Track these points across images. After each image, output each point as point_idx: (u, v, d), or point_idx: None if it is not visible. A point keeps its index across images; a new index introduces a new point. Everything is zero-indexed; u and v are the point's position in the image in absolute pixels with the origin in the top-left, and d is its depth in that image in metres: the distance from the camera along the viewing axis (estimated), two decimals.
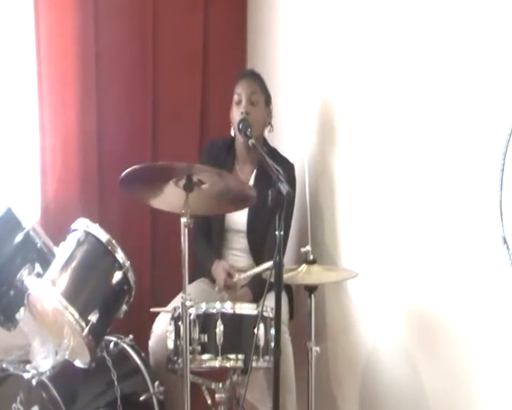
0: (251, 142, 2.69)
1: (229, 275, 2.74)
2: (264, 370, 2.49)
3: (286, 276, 2.29)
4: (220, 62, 3.58)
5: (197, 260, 2.92)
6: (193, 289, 2.75)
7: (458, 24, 2.15)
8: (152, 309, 2.61)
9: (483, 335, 2.10)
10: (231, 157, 2.99)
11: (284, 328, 2.68)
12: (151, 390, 2.60)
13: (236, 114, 2.87)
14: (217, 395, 2.50)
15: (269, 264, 2.50)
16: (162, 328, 2.55)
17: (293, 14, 3.25)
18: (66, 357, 2.37)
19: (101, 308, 2.29)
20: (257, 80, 2.96)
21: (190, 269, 2.29)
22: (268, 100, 2.97)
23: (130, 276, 2.39)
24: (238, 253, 2.97)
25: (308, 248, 2.45)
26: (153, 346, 2.68)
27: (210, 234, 2.99)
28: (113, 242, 2.37)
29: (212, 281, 2.90)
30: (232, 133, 2.93)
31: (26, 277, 2.37)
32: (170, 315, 2.44)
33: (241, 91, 2.89)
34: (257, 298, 2.66)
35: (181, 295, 2.26)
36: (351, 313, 2.81)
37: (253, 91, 2.89)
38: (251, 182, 2.93)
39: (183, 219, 2.22)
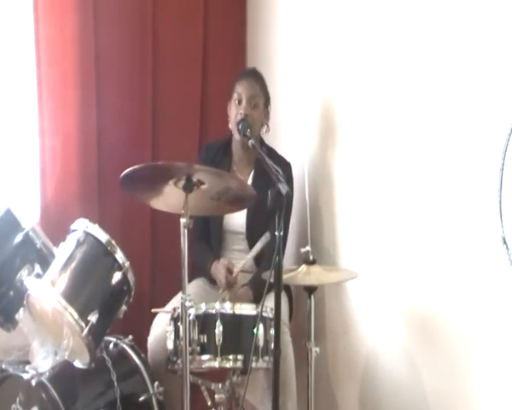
0: (251, 142, 2.69)
1: (229, 271, 2.74)
2: (265, 370, 2.49)
3: (286, 276, 2.30)
4: (220, 62, 3.59)
5: (195, 262, 2.91)
6: (192, 288, 2.75)
7: (458, 24, 2.15)
8: (153, 310, 2.61)
9: (483, 335, 2.09)
10: (228, 158, 2.99)
11: (285, 328, 2.68)
12: (151, 391, 2.60)
13: (235, 113, 2.86)
14: (216, 396, 2.50)
15: (262, 242, 2.51)
16: (161, 327, 2.56)
17: (292, 14, 3.25)
18: (66, 358, 2.37)
19: (101, 309, 2.29)
20: (258, 82, 2.95)
21: (190, 270, 2.29)
22: (267, 101, 2.97)
23: (130, 276, 2.38)
24: (238, 254, 2.97)
25: (308, 248, 2.45)
26: (151, 345, 2.68)
27: (208, 236, 2.99)
28: (113, 242, 2.37)
29: (211, 281, 2.90)
30: (230, 126, 2.93)
31: (26, 277, 2.37)
32: (169, 315, 2.44)
33: (241, 91, 2.88)
34: (257, 298, 2.66)
35: (180, 295, 2.26)
36: (350, 314, 2.81)
37: (254, 94, 2.88)
38: (249, 182, 2.93)
39: (183, 220, 2.22)
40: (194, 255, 2.72)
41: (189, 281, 2.40)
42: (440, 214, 2.27)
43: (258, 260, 2.88)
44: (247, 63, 3.65)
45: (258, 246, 2.64)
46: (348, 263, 2.79)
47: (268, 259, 2.35)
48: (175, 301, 2.65)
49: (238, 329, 2.38)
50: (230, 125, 2.92)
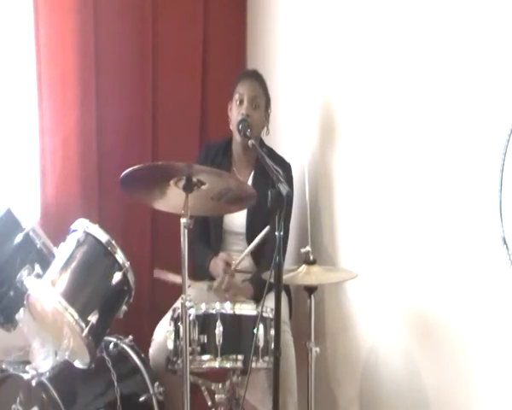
0: (251, 142, 2.69)
1: (228, 264, 2.74)
2: (266, 370, 2.49)
3: (286, 276, 2.29)
4: (220, 62, 3.59)
5: (195, 262, 2.91)
6: (193, 291, 2.74)
7: (458, 24, 2.15)
8: (155, 271, 2.55)
9: (483, 335, 2.09)
10: (228, 159, 2.99)
11: (286, 328, 2.68)
12: (151, 391, 2.60)
13: (236, 114, 2.86)
14: (216, 396, 2.50)
15: (262, 234, 2.50)
16: (162, 335, 2.54)
17: (292, 14, 3.25)
18: (66, 358, 2.37)
19: (101, 309, 2.28)
20: (260, 83, 2.95)
21: (190, 269, 2.29)
22: (268, 104, 2.97)
23: (130, 276, 2.38)
24: (237, 254, 2.95)
25: (308, 248, 2.45)
26: (153, 353, 2.67)
27: (208, 236, 2.99)
28: (113, 242, 2.37)
29: (212, 281, 2.89)
30: (231, 127, 2.93)
31: (26, 277, 2.36)
32: (169, 316, 2.44)
33: (243, 92, 2.88)
34: (258, 295, 2.65)
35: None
36: (350, 314, 2.81)
37: (255, 95, 2.89)
38: (249, 183, 2.93)
39: (183, 220, 2.21)
40: (193, 255, 2.72)
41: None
42: (440, 214, 2.27)
43: (257, 259, 2.88)
44: (247, 63, 3.66)
45: (257, 239, 2.61)
46: (348, 263, 2.79)
47: (268, 258, 2.34)
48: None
49: (238, 329, 2.37)
50: (231, 126, 2.92)
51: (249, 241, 2.92)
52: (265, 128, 2.97)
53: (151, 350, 2.68)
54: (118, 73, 3.38)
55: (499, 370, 2.03)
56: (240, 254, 2.94)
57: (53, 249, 2.47)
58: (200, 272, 2.96)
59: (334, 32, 2.88)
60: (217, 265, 2.80)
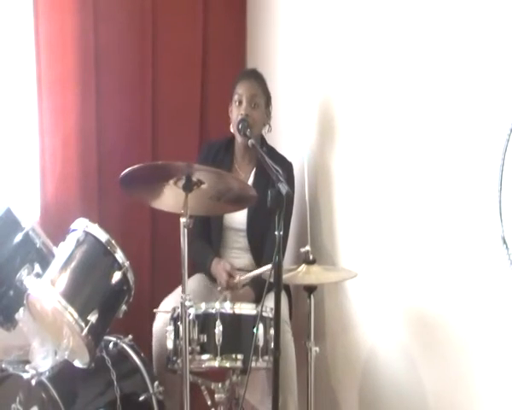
0: (250, 142, 2.69)
1: (231, 276, 2.74)
2: (266, 370, 2.49)
3: (285, 276, 2.29)
4: (220, 62, 3.59)
5: (195, 260, 2.90)
6: (192, 283, 2.75)
7: (458, 24, 2.15)
8: (155, 310, 2.60)
9: (483, 335, 2.09)
10: (230, 156, 2.99)
11: (287, 327, 2.68)
12: (150, 390, 2.59)
13: (236, 115, 2.86)
14: (216, 396, 2.50)
15: (269, 266, 2.50)
16: (160, 327, 2.56)
17: (292, 14, 3.25)
18: (66, 357, 2.37)
19: (101, 308, 2.28)
20: (259, 82, 2.95)
21: (190, 269, 2.29)
22: (268, 101, 2.97)
23: (130, 276, 2.38)
24: (238, 251, 2.97)
25: (307, 248, 2.45)
26: (156, 346, 2.69)
27: (208, 233, 2.98)
28: (113, 242, 2.37)
29: (211, 278, 2.89)
30: (231, 129, 2.93)
31: (26, 277, 2.37)
32: (169, 315, 2.44)
33: (242, 92, 2.88)
34: (259, 298, 2.65)
35: (180, 293, 2.25)
36: (350, 313, 2.81)
37: (254, 94, 2.89)
38: (250, 180, 2.94)
39: (183, 220, 2.22)
40: (193, 253, 2.71)
41: (189, 276, 2.41)
42: (440, 214, 2.26)
43: (258, 257, 2.88)
44: (247, 63, 3.66)
45: (263, 269, 2.55)
46: (348, 263, 2.79)
47: (268, 257, 2.34)
48: (174, 296, 2.68)
49: (238, 328, 2.38)
50: (232, 128, 2.92)
51: (249, 237, 2.92)
52: (267, 126, 2.97)
53: (154, 345, 2.69)
54: (118, 73, 3.38)
55: (499, 370, 2.03)
56: (240, 251, 2.95)
57: (52, 249, 2.47)
58: (199, 268, 2.95)
59: (333, 32, 2.88)
60: (219, 272, 2.79)
